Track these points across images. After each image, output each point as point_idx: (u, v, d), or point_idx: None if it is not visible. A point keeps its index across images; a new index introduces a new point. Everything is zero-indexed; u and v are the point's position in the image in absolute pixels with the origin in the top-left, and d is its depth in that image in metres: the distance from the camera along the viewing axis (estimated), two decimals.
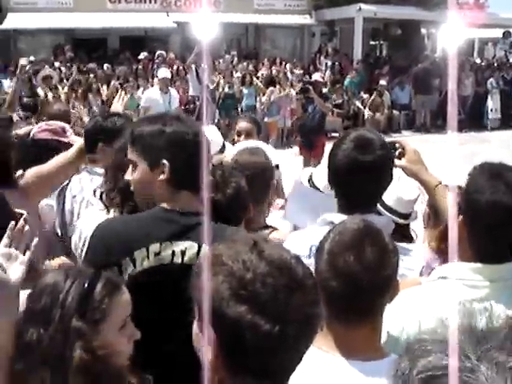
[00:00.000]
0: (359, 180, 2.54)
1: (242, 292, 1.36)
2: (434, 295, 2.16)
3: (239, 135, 5.14)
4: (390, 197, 3.39)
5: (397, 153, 2.78)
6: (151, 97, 12.04)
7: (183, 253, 2.31)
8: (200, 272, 1.46)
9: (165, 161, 2.33)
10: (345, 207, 2.63)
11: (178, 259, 2.30)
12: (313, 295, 1.44)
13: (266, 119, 16.79)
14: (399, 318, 2.17)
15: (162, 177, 2.34)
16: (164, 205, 2.37)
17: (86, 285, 1.87)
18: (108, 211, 2.89)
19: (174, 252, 2.31)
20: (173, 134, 2.36)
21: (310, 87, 11.40)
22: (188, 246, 2.31)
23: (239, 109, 17.56)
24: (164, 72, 12.68)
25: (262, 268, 1.39)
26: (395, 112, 20.26)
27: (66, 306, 1.81)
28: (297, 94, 13.21)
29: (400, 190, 3.44)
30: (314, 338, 1.50)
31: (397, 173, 3.34)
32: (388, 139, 2.85)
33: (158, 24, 21.83)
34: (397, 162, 2.77)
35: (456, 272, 2.16)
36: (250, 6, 23.69)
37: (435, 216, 3.00)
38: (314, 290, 1.45)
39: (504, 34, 25.37)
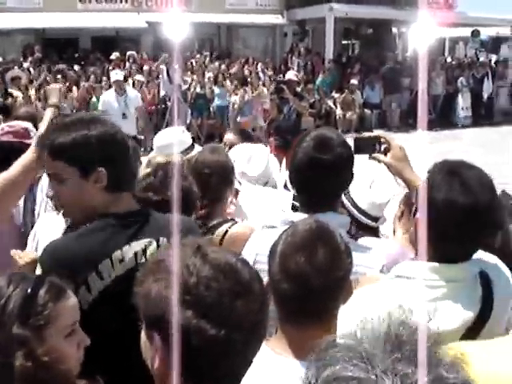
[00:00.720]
0: (318, 178, 2.56)
1: (187, 297, 1.34)
2: (388, 294, 2.12)
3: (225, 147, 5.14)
4: (363, 200, 3.45)
5: (382, 148, 2.77)
6: (106, 100, 11.78)
7: (144, 251, 2.24)
8: (142, 279, 1.45)
9: (100, 168, 2.21)
10: (305, 206, 2.65)
11: (141, 259, 2.23)
12: (259, 301, 1.42)
13: (238, 119, 16.81)
14: (350, 318, 2.15)
15: (99, 184, 2.23)
16: (110, 210, 2.27)
17: (28, 290, 1.80)
18: (58, 211, 2.88)
19: (136, 253, 2.23)
20: (101, 137, 2.22)
21: (284, 87, 11.11)
22: (147, 243, 2.25)
23: (211, 109, 17.56)
24: (115, 74, 12.33)
25: (206, 272, 1.38)
26: (367, 111, 20.37)
27: (6, 312, 1.75)
28: (271, 94, 12.83)
29: (373, 194, 3.50)
30: (261, 343, 1.49)
31: (370, 176, 3.40)
32: (375, 133, 2.91)
33: (129, 24, 21.69)
34: (381, 157, 2.77)
35: (413, 271, 2.13)
36: (221, 5, 23.61)
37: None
38: (260, 296, 1.44)
39: (473, 32, 25.58)
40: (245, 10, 23.93)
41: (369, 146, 2.74)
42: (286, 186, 3.76)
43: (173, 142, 4.67)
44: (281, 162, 10.82)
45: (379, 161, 2.77)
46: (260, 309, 1.42)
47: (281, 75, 18.32)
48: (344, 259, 1.87)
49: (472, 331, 2.09)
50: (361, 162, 2.89)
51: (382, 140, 2.80)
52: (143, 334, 1.49)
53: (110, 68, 17.64)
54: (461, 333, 2.08)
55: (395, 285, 2.15)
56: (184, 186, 2.85)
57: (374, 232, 3.61)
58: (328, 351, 1.01)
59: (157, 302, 1.37)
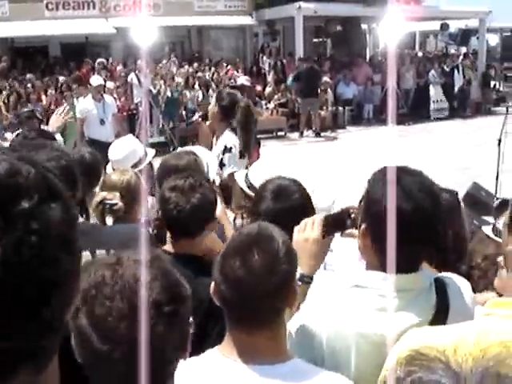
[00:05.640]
0: (284, 224, 2.66)
1: (83, 307, 1.45)
2: (344, 304, 2.12)
3: None
4: None
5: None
6: (85, 107, 11.51)
7: None
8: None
9: None
10: None
11: None
12: (152, 323, 1.46)
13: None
14: (316, 326, 2.12)
15: None
16: None
17: None
18: None
19: None
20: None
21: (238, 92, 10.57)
22: None
23: (183, 113, 17.54)
24: (96, 79, 12.16)
25: (106, 290, 1.46)
26: (339, 108, 20.47)
27: None
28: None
29: (315, 200, 3.55)
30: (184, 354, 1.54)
31: (311, 185, 3.47)
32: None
33: (97, 30, 21.52)
34: (355, 232, 2.37)
35: (367, 281, 2.12)
36: (190, 8, 23.51)
37: None
38: (152, 316, 1.47)
39: (441, 26, 25.72)
40: (214, 12, 23.85)
41: (339, 223, 2.38)
42: (246, 177, 3.84)
43: (127, 154, 4.73)
44: None
45: (354, 236, 2.48)
46: (138, 329, 1.44)
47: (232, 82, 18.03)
48: (281, 265, 1.85)
49: None
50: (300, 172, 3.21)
51: (351, 213, 2.42)
52: None
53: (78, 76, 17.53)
54: None
55: (351, 295, 2.14)
56: (202, 197, 2.89)
57: None
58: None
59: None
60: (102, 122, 11.21)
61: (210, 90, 17.37)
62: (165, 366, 1.51)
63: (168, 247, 2.96)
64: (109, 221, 3.55)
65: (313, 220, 2.33)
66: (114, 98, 13.65)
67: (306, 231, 2.31)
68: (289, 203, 2.84)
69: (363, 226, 2.13)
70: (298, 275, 2.14)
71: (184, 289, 1.56)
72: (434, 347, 1.07)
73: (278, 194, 2.88)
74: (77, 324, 1.44)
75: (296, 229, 2.33)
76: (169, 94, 17.20)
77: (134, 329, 1.42)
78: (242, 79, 12.21)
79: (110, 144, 10.12)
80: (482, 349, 1.03)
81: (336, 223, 2.36)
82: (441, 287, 2.16)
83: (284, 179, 3.04)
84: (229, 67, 20.59)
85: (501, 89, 25.28)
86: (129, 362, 1.41)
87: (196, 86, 17.96)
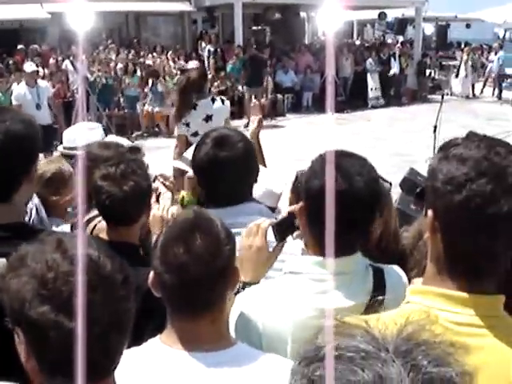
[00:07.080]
0: (222, 175, 2.67)
1: (44, 292, 1.36)
2: (278, 291, 2.12)
3: None
4: (257, 189, 3.30)
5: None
6: (19, 93, 11.72)
7: None
8: (4, 275, 1.44)
9: None
10: (214, 202, 2.67)
11: None
12: (121, 290, 1.43)
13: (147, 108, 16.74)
14: (250, 313, 2.11)
15: None
16: None
17: None
18: None
19: None
20: None
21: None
22: None
23: (121, 99, 17.33)
24: (29, 66, 12.26)
25: (65, 267, 1.39)
26: (279, 96, 20.49)
27: None
28: (174, 85, 12.27)
29: (269, 183, 3.43)
30: (127, 335, 1.47)
31: (263, 169, 3.40)
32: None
33: (31, 15, 20.99)
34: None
35: (302, 266, 2.11)
36: None
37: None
38: (123, 285, 1.44)
39: (379, 15, 26.06)
40: None
41: (288, 227, 2.30)
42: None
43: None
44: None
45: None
46: (120, 298, 1.43)
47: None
48: (223, 247, 1.86)
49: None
50: None
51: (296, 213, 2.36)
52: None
53: (11, 62, 17.17)
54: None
55: (285, 281, 2.14)
56: (135, 185, 2.78)
57: None
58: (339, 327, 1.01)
59: (15, 297, 1.38)
60: (38, 106, 11.51)
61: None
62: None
63: (103, 235, 2.90)
64: None
65: (257, 227, 2.28)
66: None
67: (250, 238, 2.26)
68: (232, 152, 2.69)
69: (301, 204, 2.13)
70: (240, 284, 2.13)
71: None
72: (357, 317, 1.09)
73: (219, 141, 2.73)
74: (34, 315, 1.35)
75: (243, 232, 2.28)
76: (104, 80, 16.95)
77: (109, 298, 1.40)
78: (192, 64, 12.30)
79: (46, 126, 10.10)
80: (404, 315, 1.05)
81: (285, 228, 2.30)
82: (377, 270, 2.16)
83: (227, 129, 2.93)
84: (169, 53, 20.41)
85: (436, 77, 25.76)
86: (107, 333, 1.39)
87: (138, 73, 17.71)
